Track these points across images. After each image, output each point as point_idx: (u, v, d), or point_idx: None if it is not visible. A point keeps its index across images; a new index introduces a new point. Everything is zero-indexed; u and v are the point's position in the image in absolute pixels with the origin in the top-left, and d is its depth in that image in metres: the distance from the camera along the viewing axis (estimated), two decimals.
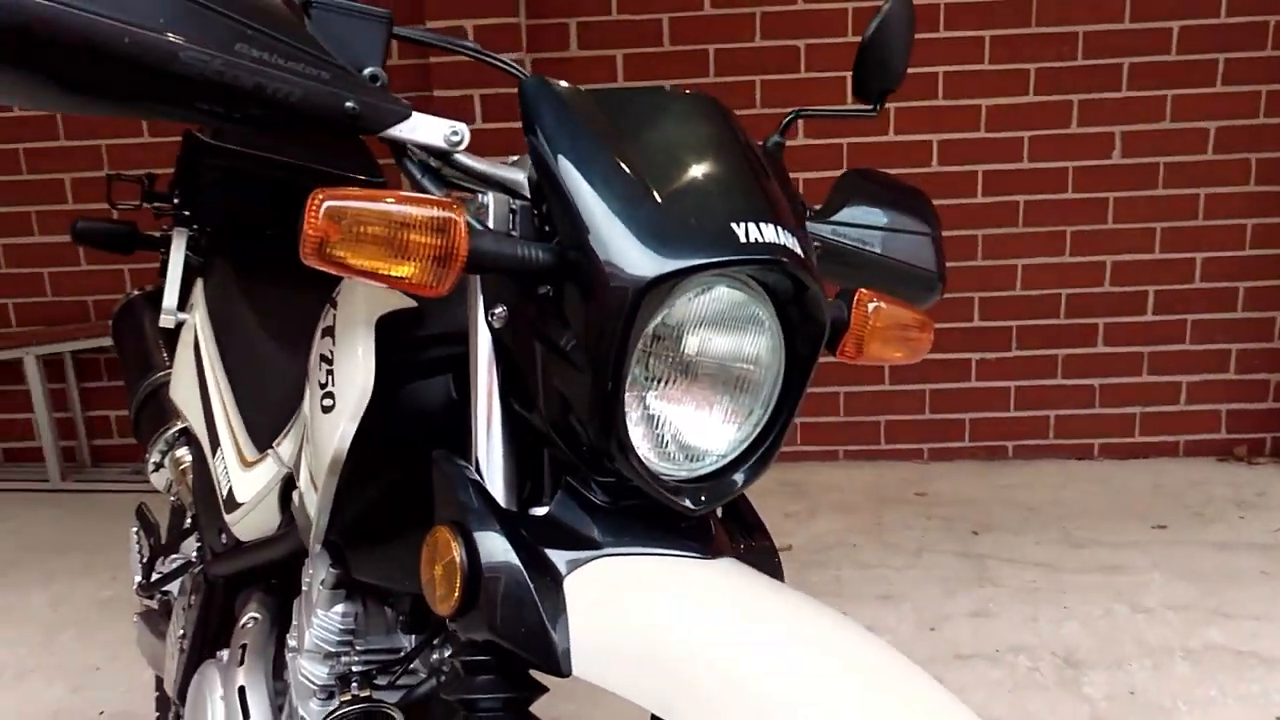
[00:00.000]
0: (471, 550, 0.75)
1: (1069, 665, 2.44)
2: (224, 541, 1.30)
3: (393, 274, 0.71)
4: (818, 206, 1.15)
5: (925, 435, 3.69)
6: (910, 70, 3.54)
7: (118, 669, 2.49)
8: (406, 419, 0.93)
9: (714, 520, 0.85)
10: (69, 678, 2.48)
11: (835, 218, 1.12)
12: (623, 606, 0.72)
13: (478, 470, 0.81)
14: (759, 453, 0.83)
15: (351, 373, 0.89)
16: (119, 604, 2.79)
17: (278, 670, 1.16)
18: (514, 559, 0.74)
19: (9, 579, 3.04)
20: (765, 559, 0.90)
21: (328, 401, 0.92)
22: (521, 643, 0.72)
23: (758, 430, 0.83)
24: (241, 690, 1.11)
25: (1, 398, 3.84)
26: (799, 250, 0.78)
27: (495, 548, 0.75)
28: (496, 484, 0.80)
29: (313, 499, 0.96)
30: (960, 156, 3.46)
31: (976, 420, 3.67)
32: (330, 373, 0.93)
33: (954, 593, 2.78)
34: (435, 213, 0.71)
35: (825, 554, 3.03)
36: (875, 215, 1.15)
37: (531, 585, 0.73)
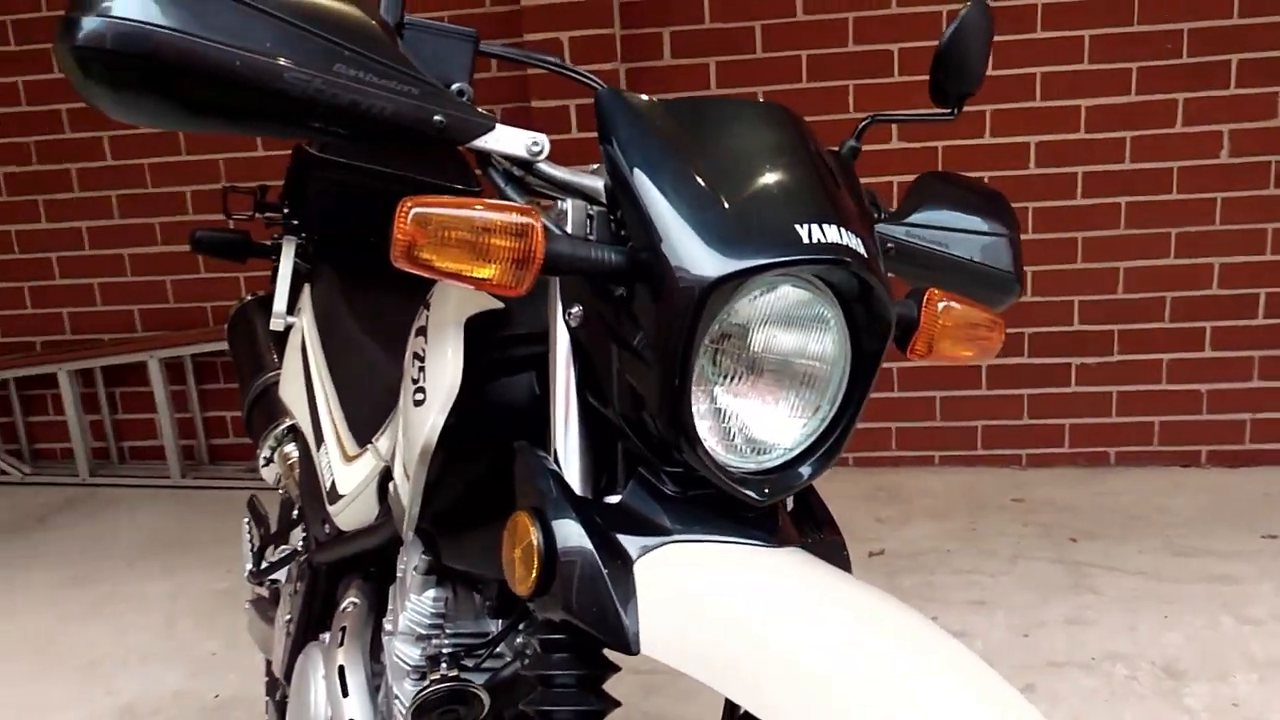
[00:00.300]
0: (549, 535, 0.80)
1: (1169, 675, 2.39)
2: (327, 531, 1.38)
3: (475, 275, 0.77)
4: (893, 209, 1.17)
5: (1023, 441, 3.64)
6: (1006, 72, 3.49)
7: (232, 655, 2.62)
8: (492, 412, 0.98)
9: (782, 512, 0.89)
10: (187, 663, 2.62)
11: (910, 219, 1.14)
12: (690, 588, 0.76)
13: (556, 461, 0.86)
14: (825, 447, 0.86)
15: (441, 369, 0.95)
16: (233, 594, 2.93)
17: (375, 652, 1.23)
18: (587, 543, 0.79)
19: (134, 570, 3.21)
20: (834, 552, 0.93)
21: (419, 396, 0.98)
22: (594, 622, 0.77)
23: (824, 425, 0.86)
24: (341, 670, 1.18)
25: (127, 399, 4.06)
26: (863, 250, 0.81)
27: (570, 533, 0.80)
28: (573, 473, 0.85)
29: (406, 489, 1.02)
30: (1059, 158, 3.41)
31: (1077, 426, 3.60)
32: (422, 369, 0.99)
33: (1049, 599, 2.74)
34: (515, 219, 0.76)
35: (918, 559, 3.02)
36: (952, 218, 1.16)
37: (604, 568, 0.78)
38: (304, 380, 1.57)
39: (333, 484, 1.36)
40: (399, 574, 1.15)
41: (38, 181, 3.89)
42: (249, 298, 1.96)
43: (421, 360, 1.00)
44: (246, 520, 1.72)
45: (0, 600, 3.05)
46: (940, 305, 0.95)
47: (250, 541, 1.68)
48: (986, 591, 2.80)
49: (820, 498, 0.99)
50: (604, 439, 0.87)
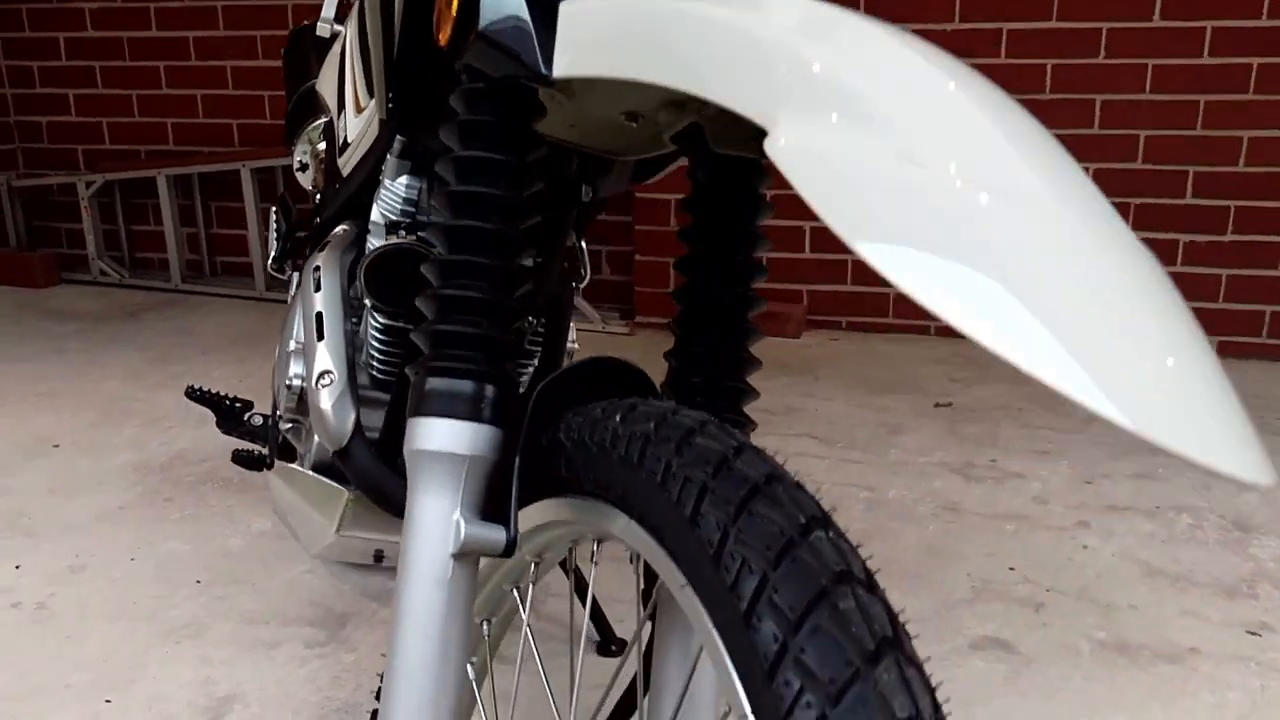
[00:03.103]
0: None
1: (1238, 528, 2.24)
2: (335, 187, 1.36)
3: None
4: None
5: None
6: None
7: None
8: None
9: None
10: None
11: None
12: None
13: None
14: None
15: None
16: None
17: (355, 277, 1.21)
18: None
19: (209, 357, 3.33)
20: None
21: None
22: (507, 43, 0.71)
23: None
24: (317, 268, 1.16)
25: (221, 214, 4.16)
26: None
27: None
28: None
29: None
30: (1188, 12, 3.16)
31: None
32: None
33: (1120, 457, 2.59)
34: None
35: (987, 413, 2.89)
36: None
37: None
38: (338, 73, 1.54)
39: (344, 139, 1.33)
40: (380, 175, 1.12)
41: None
42: (305, 23, 1.95)
43: None
44: (274, 210, 1.72)
45: (86, 370, 3.18)
46: None
47: (276, 229, 1.68)
48: (1054, 445, 2.67)
49: None
50: None
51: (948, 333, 3.55)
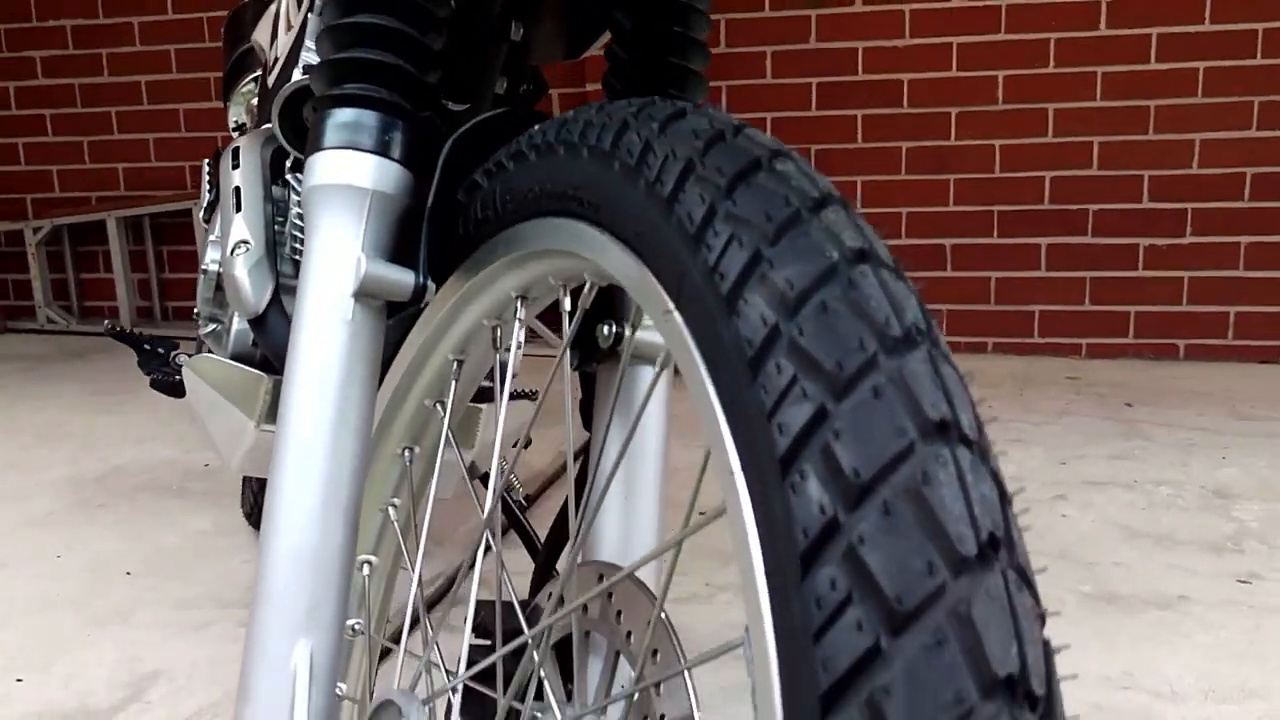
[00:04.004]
0: None
1: (1218, 496, 2.17)
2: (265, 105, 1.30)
3: None
4: None
5: (1084, 329, 3.41)
6: None
7: None
8: None
9: None
10: (183, 442, 2.59)
11: None
12: None
13: None
14: None
15: None
16: None
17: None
18: None
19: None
20: None
21: None
22: None
23: None
24: (237, 149, 1.10)
25: (173, 258, 4.08)
26: None
27: None
28: None
29: None
30: (1133, 20, 3.21)
31: (1142, 314, 3.36)
32: None
33: (1095, 442, 2.53)
34: None
35: None
36: None
37: None
38: (273, 18, 1.50)
39: (274, 59, 1.28)
40: None
41: (100, 35, 3.96)
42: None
43: None
44: (207, 162, 1.66)
45: (31, 401, 3.06)
46: None
47: (209, 181, 1.61)
48: (1027, 435, 2.61)
49: None
50: None
51: None
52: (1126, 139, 3.27)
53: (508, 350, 0.68)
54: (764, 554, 0.40)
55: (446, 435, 0.74)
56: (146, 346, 1.64)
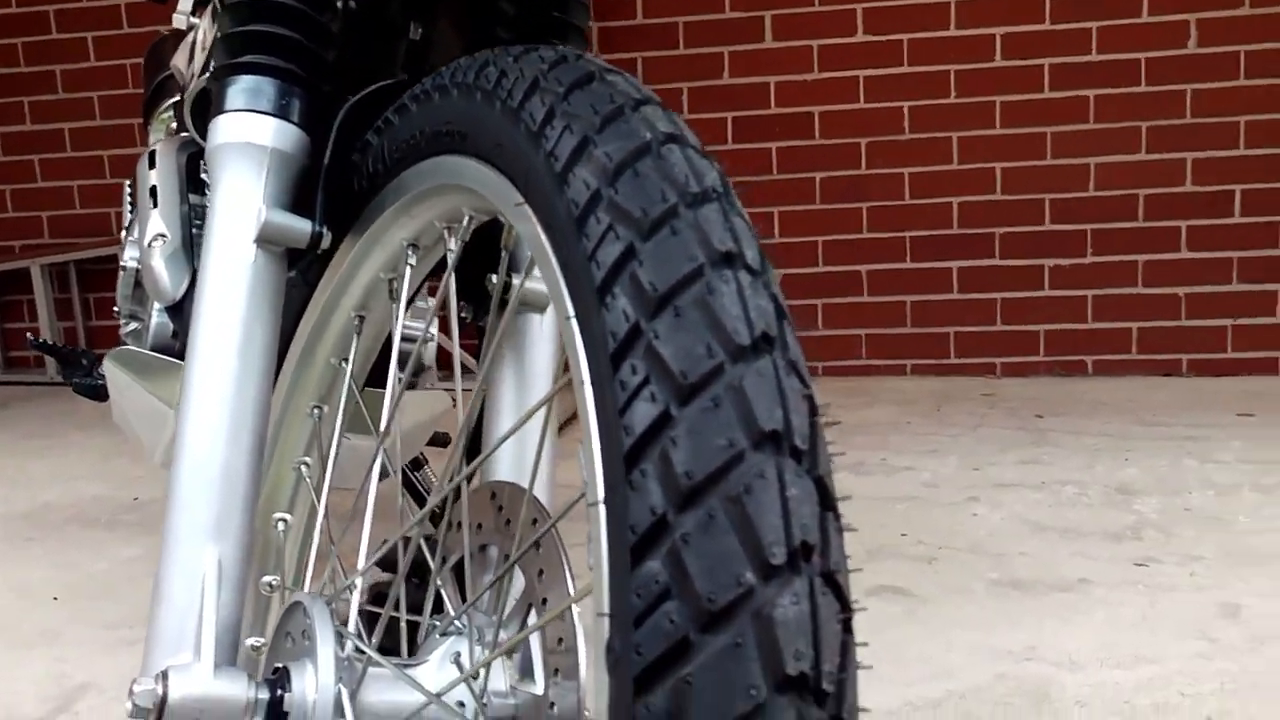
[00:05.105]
0: None
1: (1120, 493, 2.28)
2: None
3: None
4: None
5: (998, 348, 3.55)
6: None
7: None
8: None
9: None
10: (113, 478, 2.59)
11: None
12: None
13: None
14: None
15: None
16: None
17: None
18: None
19: (84, 432, 3.19)
20: None
21: None
22: None
23: None
24: (153, 151, 1.15)
25: (100, 305, 4.06)
26: None
27: None
28: None
29: None
30: (1026, 51, 3.39)
31: (1051, 332, 3.51)
32: None
33: (1007, 450, 2.64)
34: None
35: (876, 427, 2.93)
36: None
37: None
38: (190, 44, 1.56)
39: (191, 75, 1.34)
40: None
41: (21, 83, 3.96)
42: (163, 32, 1.96)
43: None
44: (128, 183, 1.70)
45: None
46: None
47: (130, 200, 1.65)
48: (944, 446, 2.71)
49: None
50: None
51: (834, 371, 3.61)
52: (1026, 164, 3.43)
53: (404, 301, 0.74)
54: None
55: (349, 389, 0.80)
56: (71, 356, 1.66)
